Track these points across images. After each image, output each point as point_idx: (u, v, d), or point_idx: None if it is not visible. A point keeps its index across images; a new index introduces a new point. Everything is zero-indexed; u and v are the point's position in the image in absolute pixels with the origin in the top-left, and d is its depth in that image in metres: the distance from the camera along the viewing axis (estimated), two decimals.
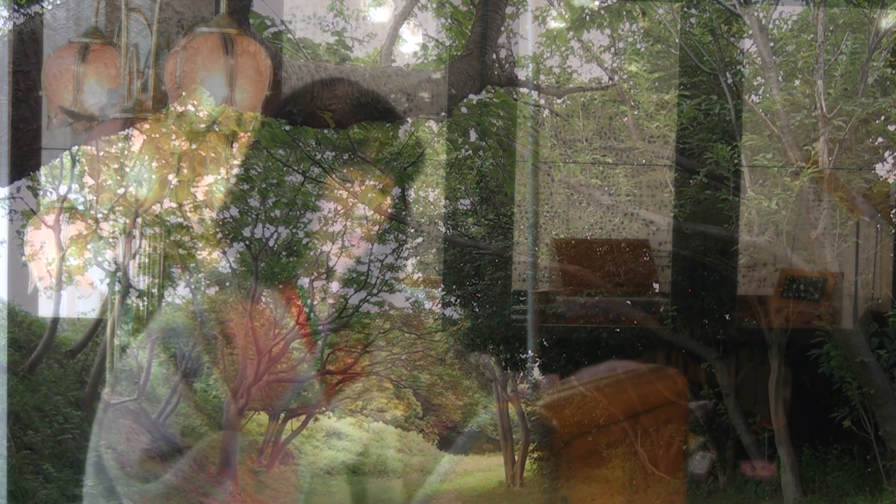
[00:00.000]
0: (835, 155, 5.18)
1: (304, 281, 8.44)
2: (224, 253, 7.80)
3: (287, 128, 5.00)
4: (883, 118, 5.63)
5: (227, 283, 8.26)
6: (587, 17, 4.85)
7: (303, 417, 9.60)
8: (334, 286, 8.72)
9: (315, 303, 8.53)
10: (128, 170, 1.45)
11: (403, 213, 6.48)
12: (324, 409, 9.90)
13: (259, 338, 7.98)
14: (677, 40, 5.70)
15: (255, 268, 7.73)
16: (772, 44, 5.67)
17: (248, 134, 1.61)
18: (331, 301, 8.89)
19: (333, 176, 6.30)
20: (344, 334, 9.31)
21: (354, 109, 2.89)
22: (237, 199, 7.21)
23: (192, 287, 7.88)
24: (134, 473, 5.80)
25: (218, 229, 7.14)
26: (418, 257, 9.55)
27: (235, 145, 1.64)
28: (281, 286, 7.90)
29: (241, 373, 7.98)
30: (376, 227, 7.97)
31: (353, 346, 9.46)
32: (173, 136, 1.46)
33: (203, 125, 1.48)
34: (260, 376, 7.97)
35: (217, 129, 1.53)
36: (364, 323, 9.17)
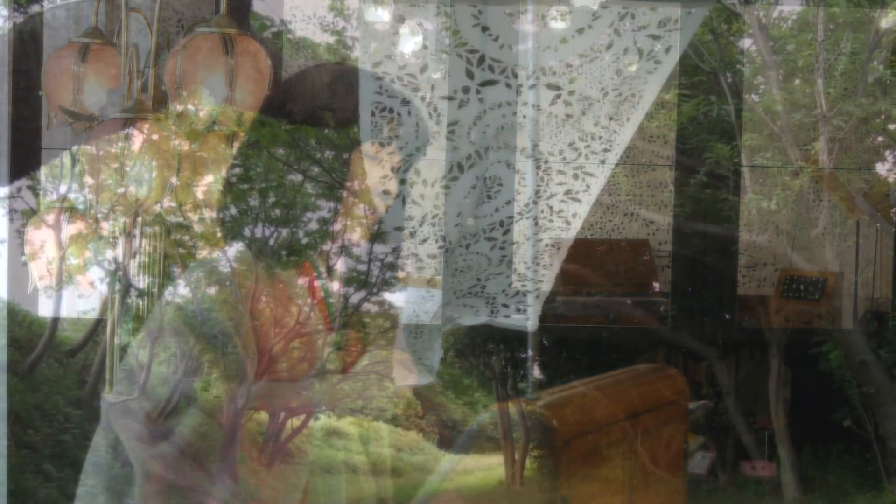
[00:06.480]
0: (835, 154, 5.18)
1: (304, 280, 8.44)
2: (224, 252, 7.81)
3: (287, 128, 5.01)
4: (883, 117, 5.63)
5: (227, 283, 8.27)
6: (587, 17, 4.85)
7: (303, 417, 9.61)
8: (335, 285, 8.72)
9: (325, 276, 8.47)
10: (128, 170, 1.45)
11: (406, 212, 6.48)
12: (324, 407, 9.89)
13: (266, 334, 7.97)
14: (677, 40, 5.69)
15: (255, 267, 7.74)
16: (772, 43, 5.67)
17: (243, 133, 1.61)
18: (332, 300, 8.88)
19: (333, 175, 6.29)
20: (343, 333, 9.31)
21: (355, 109, 2.90)
22: (237, 198, 7.21)
23: (193, 286, 7.89)
24: (133, 472, 5.80)
25: (218, 228, 7.15)
26: (418, 257, 9.52)
27: (236, 145, 1.64)
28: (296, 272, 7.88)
29: (241, 371, 7.98)
30: (376, 227, 7.96)
31: (354, 345, 9.47)
32: (173, 137, 1.46)
33: (203, 125, 1.48)
34: (262, 374, 7.96)
35: (217, 129, 1.53)
36: (364, 322, 9.17)
